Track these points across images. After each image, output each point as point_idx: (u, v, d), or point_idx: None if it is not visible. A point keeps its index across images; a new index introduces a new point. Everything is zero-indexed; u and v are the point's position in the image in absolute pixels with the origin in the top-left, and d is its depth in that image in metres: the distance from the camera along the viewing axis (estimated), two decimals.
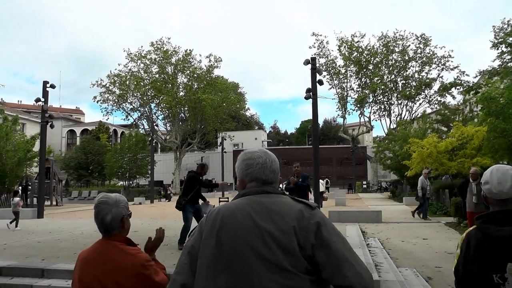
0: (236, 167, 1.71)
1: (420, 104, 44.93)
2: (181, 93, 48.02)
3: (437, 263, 7.28)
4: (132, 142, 42.56)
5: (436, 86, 41.63)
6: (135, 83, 45.85)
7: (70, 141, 73.39)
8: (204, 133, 53.08)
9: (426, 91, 43.79)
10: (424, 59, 43.61)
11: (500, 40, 16.33)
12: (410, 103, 44.99)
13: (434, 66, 43.42)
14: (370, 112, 46.85)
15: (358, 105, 45.02)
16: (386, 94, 45.52)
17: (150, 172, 36.79)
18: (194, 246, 1.57)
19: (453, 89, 19.30)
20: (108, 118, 50.16)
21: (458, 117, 32.18)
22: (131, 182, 46.75)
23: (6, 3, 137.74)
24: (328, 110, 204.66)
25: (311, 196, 10.49)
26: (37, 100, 19.87)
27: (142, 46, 63.35)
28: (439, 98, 42.42)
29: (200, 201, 8.92)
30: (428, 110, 43.16)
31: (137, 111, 48.93)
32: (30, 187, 27.99)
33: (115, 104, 47.26)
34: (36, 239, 10.60)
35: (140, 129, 50.82)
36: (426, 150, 18.09)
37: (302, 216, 1.49)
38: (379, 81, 43.82)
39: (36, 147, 24.23)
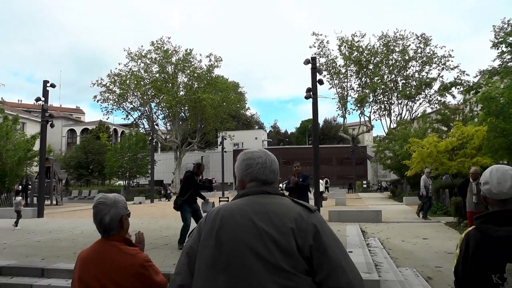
0: (236, 167, 1.71)
1: (420, 103, 45.03)
2: (181, 93, 48.04)
3: (437, 263, 7.28)
4: (132, 141, 42.58)
5: (436, 85, 41.72)
6: (135, 82, 45.86)
7: (70, 140, 73.45)
8: (204, 132, 53.10)
9: (426, 91, 43.84)
10: (424, 58, 43.62)
11: (500, 40, 16.32)
12: (410, 102, 45.02)
13: (434, 65, 43.52)
14: (370, 112, 46.95)
15: (358, 105, 45.02)
16: (386, 93, 45.52)
17: (150, 172, 36.82)
18: (193, 246, 1.56)
19: (453, 88, 19.30)
20: (108, 118, 50.30)
21: (458, 116, 32.16)
22: (131, 181, 46.74)
23: (6, 3, 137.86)
24: (328, 110, 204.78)
25: (310, 195, 10.47)
26: (37, 99, 19.87)
27: (142, 46, 63.41)
28: (439, 98, 42.44)
29: (201, 200, 8.90)
30: (428, 110, 43.24)
31: (137, 111, 49.00)
32: (30, 186, 28.00)
33: (115, 103, 47.30)
34: (36, 238, 10.60)
35: (140, 129, 50.86)
36: (426, 149, 18.08)
37: (301, 218, 1.49)
38: (379, 80, 43.81)
39: (36, 147, 24.23)
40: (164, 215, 18.07)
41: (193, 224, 8.39)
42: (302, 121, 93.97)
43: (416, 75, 44.49)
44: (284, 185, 10.65)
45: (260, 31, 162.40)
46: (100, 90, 46.60)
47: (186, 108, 49.82)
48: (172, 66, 46.97)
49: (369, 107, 46.56)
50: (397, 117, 45.32)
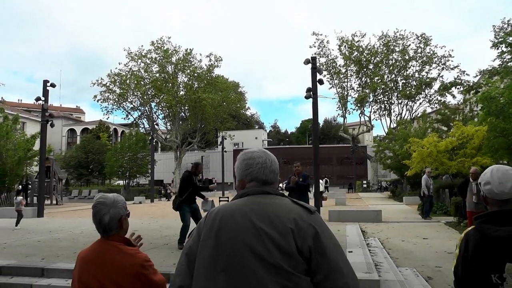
0: (236, 167, 1.71)
1: (420, 103, 45.00)
2: (182, 92, 48.02)
3: (437, 262, 7.29)
4: (132, 141, 42.57)
5: (436, 85, 41.70)
6: (136, 82, 45.85)
7: (70, 140, 73.47)
8: (204, 132, 53.09)
9: (426, 91, 43.82)
10: (425, 58, 43.60)
11: (500, 39, 16.32)
12: (410, 102, 45.00)
13: (434, 65, 43.48)
14: (370, 112, 46.92)
15: (359, 105, 45.00)
16: (387, 93, 45.50)
17: (150, 171, 36.82)
18: (192, 247, 1.56)
19: (453, 88, 19.30)
20: (108, 117, 50.28)
21: (458, 116, 32.16)
22: (131, 181, 46.74)
23: (6, 3, 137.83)
24: (328, 110, 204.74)
25: (310, 195, 10.48)
26: (38, 99, 19.87)
27: (142, 46, 63.40)
28: (439, 98, 42.42)
29: (200, 200, 8.88)
30: (428, 110, 43.21)
31: (138, 110, 48.96)
32: (30, 186, 28.00)
33: (115, 103, 47.27)
34: (36, 238, 10.60)
35: (140, 128, 50.85)
36: (426, 149, 18.08)
37: (300, 219, 1.49)
38: (380, 80, 43.79)
39: (36, 146, 24.22)
40: (164, 215, 18.07)
41: (192, 224, 8.39)
42: (302, 121, 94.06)
43: (416, 75, 44.49)
44: (284, 185, 10.65)
45: (260, 31, 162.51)
46: (100, 90, 46.64)
47: (186, 108, 49.81)
48: (172, 66, 46.96)
49: (369, 107, 46.59)
50: (397, 117, 45.32)
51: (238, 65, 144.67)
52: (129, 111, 48.35)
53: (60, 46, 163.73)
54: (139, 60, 46.79)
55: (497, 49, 16.44)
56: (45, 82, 19.54)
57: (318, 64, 16.17)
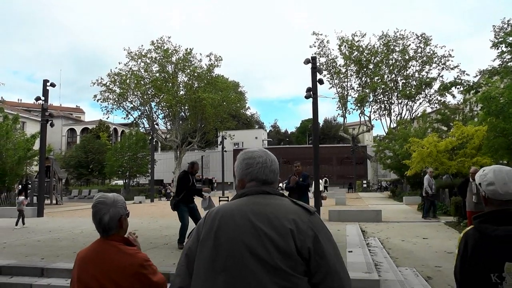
0: (236, 167, 1.70)
1: (420, 103, 44.94)
2: (182, 92, 47.97)
3: (437, 262, 7.28)
4: (132, 141, 42.56)
5: (436, 85, 41.64)
6: (136, 82, 45.81)
7: (70, 139, 73.46)
8: (204, 132, 53.06)
9: (426, 91, 43.77)
10: (425, 58, 43.56)
11: (500, 39, 16.34)
12: (410, 102, 44.95)
13: (434, 65, 43.42)
14: (370, 112, 46.88)
15: (359, 104, 44.97)
16: (387, 93, 45.47)
17: (150, 171, 36.84)
18: (191, 247, 1.56)
19: (453, 88, 19.32)
20: (108, 117, 50.20)
21: (458, 116, 32.14)
22: (131, 181, 46.74)
23: (7, 2, 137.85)
24: (328, 109, 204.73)
25: (310, 195, 10.48)
26: (37, 98, 19.86)
27: (142, 45, 63.44)
28: (439, 98, 42.39)
29: (200, 200, 8.83)
30: (428, 110, 43.16)
31: (138, 110, 48.88)
32: (30, 185, 27.99)
33: (115, 103, 47.20)
34: (36, 238, 10.60)
35: (140, 128, 50.79)
36: (426, 149, 18.09)
37: (300, 220, 1.49)
38: (380, 80, 43.76)
39: (36, 146, 24.22)
40: (164, 214, 18.06)
41: (191, 223, 8.39)
42: (302, 121, 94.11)
43: (416, 74, 44.45)
44: (284, 185, 10.65)
45: (260, 31, 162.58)
46: (100, 90, 46.56)
47: (186, 107, 49.77)
48: (172, 66, 46.92)
49: (369, 107, 46.55)
50: (397, 117, 45.30)
51: (238, 65, 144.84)
52: (129, 110, 48.33)
53: (60, 46, 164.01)
54: (139, 60, 46.74)
55: (497, 49, 16.46)
56: (45, 81, 19.53)
57: (318, 64, 16.17)
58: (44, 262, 7.10)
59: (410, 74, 44.54)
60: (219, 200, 22.08)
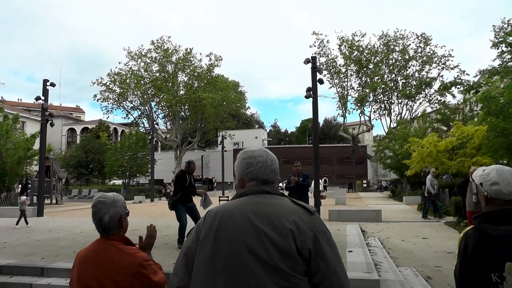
0: (236, 166, 1.69)
1: (420, 103, 44.97)
2: (182, 92, 47.97)
3: (437, 262, 7.28)
4: (132, 140, 42.53)
5: (436, 85, 41.67)
6: (136, 81, 45.82)
7: (70, 139, 73.46)
8: (204, 131, 53.07)
9: (426, 91, 43.78)
10: (425, 58, 43.56)
11: (500, 39, 16.35)
12: (410, 102, 44.97)
13: (434, 65, 43.43)
14: (370, 111, 46.89)
15: (359, 104, 44.97)
16: (387, 93, 45.47)
17: (150, 171, 36.83)
18: (191, 247, 1.55)
19: (453, 88, 19.35)
20: (108, 117, 50.20)
21: (458, 116, 32.16)
22: (131, 180, 46.74)
23: (7, 2, 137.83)
24: (328, 109, 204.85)
25: (310, 195, 10.47)
26: (37, 98, 19.86)
27: (142, 45, 63.43)
28: (439, 98, 42.39)
29: (200, 198, 8.78)
30: (428, 109, 43.20)
31: (138, 110, 48.89)
32: (30, 185, 27.99)
33: (115, 102, 47.22)
34: (36, 237, 10.60)
35: (140, 128, 50.80)
36: (426, 149, 18.10)
37: (300, 221, 1.49)
38: (380, 80, 43.77)
39: (36, 146, 24.22)
40: (164, 214, 18.03)
41: (190, 222, 8.38)
42: (302, 121, 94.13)
43: (416, 74, 44.46)
44: (284, 185, 10.65)
45: (260, 31, 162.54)
46: (100, 89, 46.60)
47: (186, 107, 49.77)
48: (172, 65, 46.92)
49: (369, 107, 46.55)
50: (397, 117, 45.31)
51: (238, 65, 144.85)
52: (129, 110, 48.35)
53: (60, 46, 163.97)
54: (139, 60, 46.75)
55: (497, 49, 16.47)
56: (45, 81, 19.53)
57: (318, 64, 16.17)
58: (44, 261, 7.10)
59: (410, 74, 44.55)
60: (219, 200, 22.07)
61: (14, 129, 27.67)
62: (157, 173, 41.48)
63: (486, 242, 1.64)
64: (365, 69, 44.66)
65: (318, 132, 17.17)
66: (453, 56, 43.62)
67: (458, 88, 17.98)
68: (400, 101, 45.46)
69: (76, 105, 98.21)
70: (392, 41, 43.95)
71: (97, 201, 2.15)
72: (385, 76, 44.74)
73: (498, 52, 17.03)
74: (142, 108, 48.93)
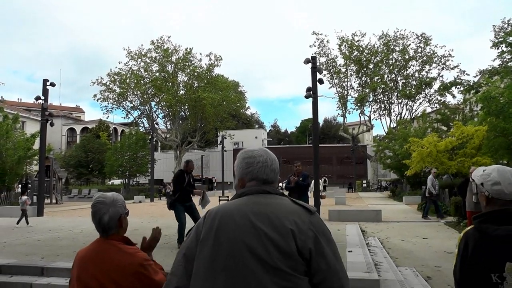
0: (236, 165, 1.68)
1: (420, 103, 44.97)
2: (181, 92, 47.97)
3: (437, 262, 7.28)
4: (132, 140, 42.53)
5: (436, 85, 41.66)
6: (135, 81, 45.81)
7: (70, 139, 73.47)
8: (204, 131, 53.07)
9: (426, 91, 43.78)
10: (425, 58, 43.55)
11: (500, 39, 16.35)
12: (410, 102, 44.97)
13: (434, 65, 43.42)
14: (370, 111, 46.90)
15: (358, 104, 44.97)
16: (386, 93, 45.47)
17: (150, 171, 36.82)
18: (190, 247, 1.54)
19: (453, 88, 19.35)
20: (108, 117, 50.18)
21: (458, 116, 32.15)
22: (131, 180, 46.75)
23: (7, 2, 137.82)
24: (328, 109, 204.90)
25: (309, 194, 10.48)
26: (37, 98, 19.86)
27: (142, 45, 63.42)
28: (439, 98, 42.39)
29: (198, 198, 8.75)
30: (428, 110, 43.17)
31: (137, 110, 48.90)
32: (30, 185, 27.99)
33: (115, 102, 47.22)
34: (36, 237, 10.60)
35: (140, 128, 50.80)
36: (426, 149, 18.09)
37: (300, 221, 1.48)
38: (380, 80, 43.77)
39: (36, 145, 24.22)
40: (164, 214, 18.01)
41: (189, 221, 8.38)
42: (302, 120, 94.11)
43: (416, 74, 44.46)
44: (284, 185, 10.65)
45: (260, 31, 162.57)
46: (100, 89, 46.61)
47: (186, 107, 49.78)
48: (172, 65, 46.91)
49: (369, 107, 46.55)
50: (397, 117, 45.30)
51: (238, 65, 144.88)
52: (129, 110, 48.36)
53: (60, 46, 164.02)
54: (139, 60, 46.75)
55: (497, 49, 16.47)
56: (45, 81, 19.52)
57: (318, 64, 16.17)
58: (44, 261, 7.10)
59: (410, 74, 44.55)
60: (219, 200, 22.07)
61: (14, 129, 27.67)
62: (157, 173, 41.47)
63: (486, 242, 1.64)
64: (365, 69, 44.66)
65: (318, 132, 17.17)
66: (453, 56, 43.71)
67: (458, 88, 18.01)
68: (400, 101, 45.47)
69: (76, 105, 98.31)
70: (392, 41, 43.95)
71: (96, 201, 2.15)
72: (385, 76, 44.74)
73: (498, 52, 17.04)
74: (142, 108, 48.95)
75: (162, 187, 40.45)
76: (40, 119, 21.22)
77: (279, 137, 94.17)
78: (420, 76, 43.94)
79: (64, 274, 6.22)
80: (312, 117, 16.00)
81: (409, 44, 43.82)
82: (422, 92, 43.87)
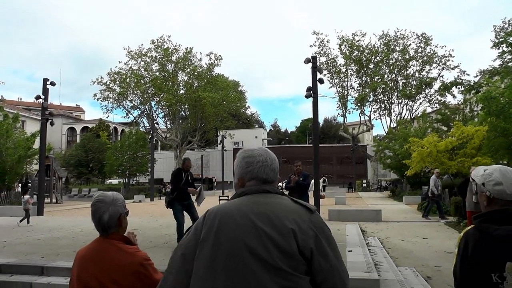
0: (235, 165, 1.68)
1: (420, 103, 44.92)
2: (182, 91, 47.94)
3: (437, 262, 7.29)
4: (132, 140, 42.53)
5: (436, 85, 41.62)
6: (136, 81, 45.78)
7: (70, 138, 73.49)
8: (204, 131, 53.05)
9: (426, 91, 43.74)
10: (425, 58, 43.52)
11: (501, 39, 16.34)
12: (411, 102, 44.94)
13: (434, 65, 43.38)
14: (371, 111, 46.85)
15: (359, 104, 44.94)
16: (387, 93, 45.45)
17: (150, 170, 36.81)
18: (189, 247, 1.53)
19: (453, 88, 19.34)
20: (108, 116, 50.04)
21: (458, 116, 32.14)
22: (131, 180, 46.75)
23: (7, 2, 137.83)
24: (328, 109, 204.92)
25: (310, 194, 10.47)
26: (37, 97, 19.86)
27: (142, 44, 63.36)
28: (439, 98, 42.36)
29: (194, 197, 8.73)
30: (429, 110, 43.16)
31: (137, 109, 48.84)
32: (30, 184, 28.00)
33: (115, 101, 47.16)
34: (36, 236, 10.60)
35: (140, 127, 50.77)
36: (426, 149, 18.09)
37: (301, 220, 1.48)
38: (380, 80, 43.74)
39: (36, 145, 24.22)
40: (164, 213, 18.02)
41: (188, 220, 8.38)
42: (302, 120, 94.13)
43: (417, 74, 44.41)
44: (284, 184, 10.64)
45: (260, 31, 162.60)
46: (100, 88, 46.55)
47: (186, 106, 49.75)
48: (172, 65, 46.88)
49: (369, 107, 46.51)
50: (397, 117, 45.28)
51: (238, 65, 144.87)
52: (129, 109, 48.30)
53: (60, 46, 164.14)
54: (139, 59, 46.72)
55: (498, 49, 16.47)
56: (45, 80, 19.52)
57: (318, 63, 16.16)
58: (44, 260, 7.10)
59: (410, 74, 44.51)
60: (219, 199, 22.07)
61: (14, 128, 27.67)
62: (157, 173, 41.47)
63: (487, 242, 1.64)
64: (365, 69, 44.62)
65: (318, 132, 17.16)
66: (454, 56, 43.66)
67: (458, 88, 17.99)
68: (400, 101, 45.45)
69: (76, 104, 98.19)
70: (392, 41, 43.92)
71: (96, 200, 2.15)
72: (385, 76, 44.71)
73: (499, 52, 17.03)
74: (142, 107, 48.92)
75: (162, 186, 40.44)
76: (40, 118, 21.21)
77: (279, 137, 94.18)
78: (421, 76, 43.92)
79: (64, 274, 6.22)
80: (312, 116, 15.99)
81: (410, 44, 43.82)
82: (422, 92, 43.85)
